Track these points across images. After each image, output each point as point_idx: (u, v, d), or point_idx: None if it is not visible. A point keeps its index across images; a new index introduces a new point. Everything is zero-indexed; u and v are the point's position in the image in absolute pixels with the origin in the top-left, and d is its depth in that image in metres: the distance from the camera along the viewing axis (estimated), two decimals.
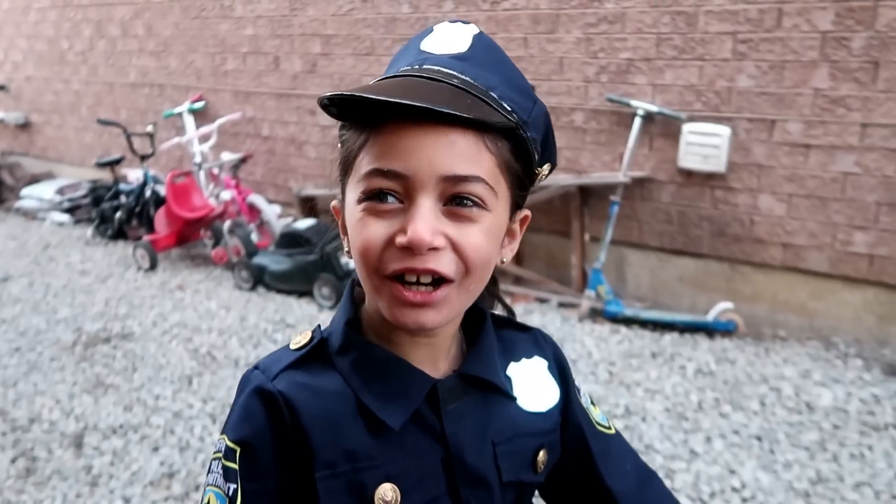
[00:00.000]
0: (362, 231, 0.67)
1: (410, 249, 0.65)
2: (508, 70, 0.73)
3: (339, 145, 0.73)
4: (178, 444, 2.70)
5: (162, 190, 4.97)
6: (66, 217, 6.04)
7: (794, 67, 3.23)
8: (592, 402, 0.91)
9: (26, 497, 2.43)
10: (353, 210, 0.69)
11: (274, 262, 4.23)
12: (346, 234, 0.74)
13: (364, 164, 0.67)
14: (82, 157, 6.75)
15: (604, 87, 3.76)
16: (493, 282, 0.84)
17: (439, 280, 0.68)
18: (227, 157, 4.91)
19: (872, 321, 3.27)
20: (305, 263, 4.09)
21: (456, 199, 0.67)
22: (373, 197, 0.67)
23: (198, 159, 5.00)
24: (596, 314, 3.71)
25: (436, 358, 0.77)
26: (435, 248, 0.66)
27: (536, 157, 0.74)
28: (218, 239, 4.69)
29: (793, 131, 3.29)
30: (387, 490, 0.71)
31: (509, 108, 0.69)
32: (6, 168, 6.95)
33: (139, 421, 2.87)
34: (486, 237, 0.69)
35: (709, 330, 3.47)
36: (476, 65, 0.70)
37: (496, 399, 0.79)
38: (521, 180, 0.73)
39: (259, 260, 4.29)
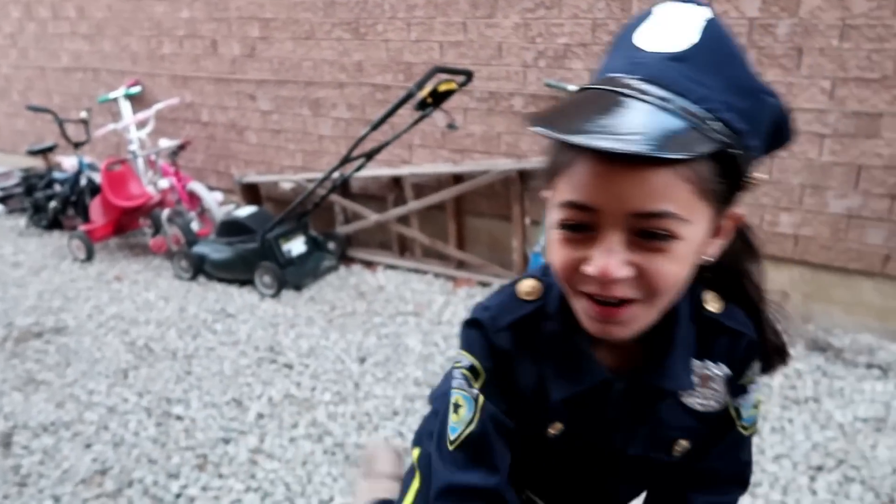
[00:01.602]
0: (557, 253, 0.75)
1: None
2: (734, 68, 0.69)
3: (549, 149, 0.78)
4: (111, 440, 2.65)
5: (98, 178, 4.83)
6: None
7: None
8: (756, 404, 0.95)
9: None
10: (552, 227, 0.76)
11: (214, 250, 4.17)
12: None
13: (563, 190, 0.72)
14: (14, 145, 6.50)
15: (542, 72, 3.78)
16: (751, 282, 0.93)
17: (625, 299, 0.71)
18: (166, 143, 4.78)
19: (798, 299, 3.40)
20: (246, 252, 4.03)
21: (644, 233, 0.68)
22: (566, 227, 0.73)
23: (135, 146, 4.87)
24: None
25: (619, 345, 0.82)
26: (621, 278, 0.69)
27: (751, 165, 0.72)
28: (157, 228, 4.59)
29: None
30: (558, 427, 0.89)
31: (724, 121, 0.66)
32: None
33: (71, 418, 2.81)
34: (676, 262, 0.70)
35: None
36: (695, 68, 0.67)
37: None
38: (725, 196, 0.72)
39: (199, 249, 4.22)
